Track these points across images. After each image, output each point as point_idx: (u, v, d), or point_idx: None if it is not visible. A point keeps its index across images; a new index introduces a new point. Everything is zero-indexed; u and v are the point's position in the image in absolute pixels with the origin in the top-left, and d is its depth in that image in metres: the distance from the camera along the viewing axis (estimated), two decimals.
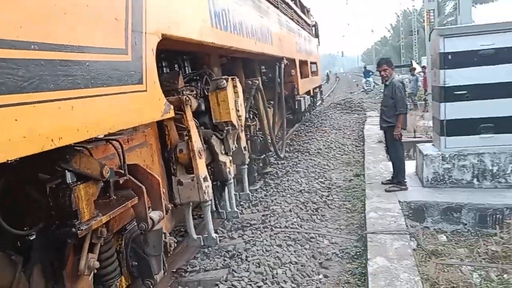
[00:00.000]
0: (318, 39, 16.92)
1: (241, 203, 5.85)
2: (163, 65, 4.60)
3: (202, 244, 4.13)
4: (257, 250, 4.22)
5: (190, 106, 3.92)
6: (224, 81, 4.33)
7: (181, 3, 3.08)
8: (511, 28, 5.27)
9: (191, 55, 5.10)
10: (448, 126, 5.59)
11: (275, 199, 5.90)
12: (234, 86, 4.63)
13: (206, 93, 4.39)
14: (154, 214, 2.93)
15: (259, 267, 3.86)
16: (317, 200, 5.85)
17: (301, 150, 9.09)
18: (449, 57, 5.43)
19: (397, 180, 5.70)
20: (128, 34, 2.17)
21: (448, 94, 5.51)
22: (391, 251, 3.89)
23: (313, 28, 15.97)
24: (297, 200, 5.75)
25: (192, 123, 3.87)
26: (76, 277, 2.46)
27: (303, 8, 13.50)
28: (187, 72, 4.95)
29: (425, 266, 4.16)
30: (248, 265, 3.92)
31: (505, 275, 4.00)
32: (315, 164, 7.78)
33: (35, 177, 2.14)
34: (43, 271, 2.35)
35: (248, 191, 5.47)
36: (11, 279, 2.17)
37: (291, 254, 4.19)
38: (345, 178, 6.97)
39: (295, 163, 7.95)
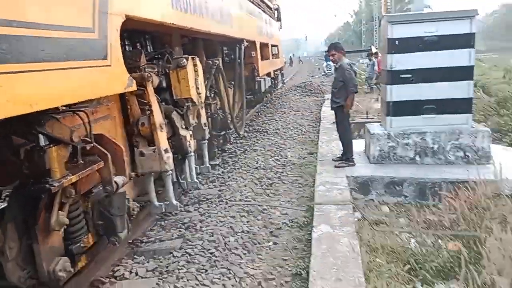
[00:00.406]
0: (280, 23, 17.13)
1: (199, 179, 6.12)
2: (126, 43, 4.71)
3: (164, 210, 4.39)
4: (211, 221, 4.53)
5: (152, 82, 4.12)
6: (185, 60, 4.54)
7: None
8: (451, 17, 5.74)
9: (153, 34, 5.24)
10: (394, 107, 6.06)
11: (232, 175, 6.21)
12: (194, 65, 4.84)
13: (167, 71, 4.60)
14: (118, 179, 3.19)
15: (212, 236, 4.16)
16: (271, 176, 6.19)
17: (260, 130, 9.42)
18: (396, 42, 5.85)
19: (346, 157, 6.14)
20: (95, 14, 2.36)
21: (395, 77, 5.95)
22: (335, 219, 4.28)
23: (276, 12, 16.16)
24: (252, 176, 6.08)
25: (153, 98, 4.08)
26: (47, 232, 2.71)
27: None
28: (149, 51, 5.10)
29: (367, 234, 4.60)
30: (202, 234, 4.21)
31: (439, 241, 4.48)
32: (272, 143, 8.13)
33: (10, 140, 2.34)
34: (16, 226, 2.58)
35: (208, 165, 5.73)
36: None
37: (244, 224, 4.51)
38: (300, 156, 7.36)
39: (253, 142, 8.28)
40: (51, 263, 2.79)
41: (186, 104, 4.67)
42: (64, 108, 2.94)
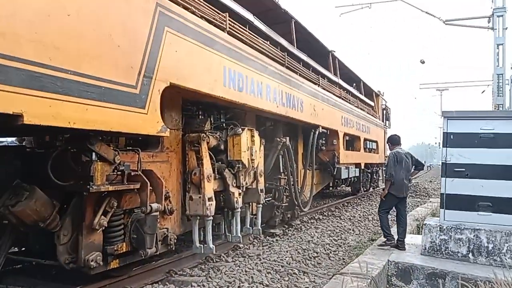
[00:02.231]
0: (389, 122, 17.62)
1: (254, 242, 6.75)
2: (200, 113, 5.86)
3: (202, 252, 5.13)
4: (238, 269, 5.09)
5: (208, 142, 5.15)
6: (240, 129, 5.56)
7: (193, 68, 4.44)
8: (510, 117, 5.78)
9: (230, 112, 6.41)
10: (447, 199, 6.02)
11: (282, 242, 6.68)
12: (252, 136, 5.80)
13: (227, 138, 5.63)
14: (154, 205, 4.16)
15: (230, 278, 4.72)
16: (319, 251, 6.47)
17: (335, 215, 9.70)
18: (451, 137, 6.02)
19: (386, 238, 6.44)
20: (139, 77, 3.53)
21: (449, 170, 6.01)
22: (345, 286, 4.47)
23: (383, 111, 16.80)
24: (299, 246, 6.46)
25: (205, 154, 5.08)
26: (90, 229, 3.74)
27: (369, 91, 14.56)
28: (220, 121, 6.23)
29: None
30: (223, 276, 4.81)
31: None
32: (338, 226, 8.37)
33: (72, 153, 3.57)
34: (72, 220, 3.77)
35: (259, 227, 6.35)
36: (49, 214, 3.52)
37: (266, 278, 4.94)
38: (359, 241, 7.46)
39: (321, 223, 8.61)
40: (88, 254, 3.78)
41: (237, 165, 5.58)
42: (129, 148, 4.16)
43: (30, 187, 3.49)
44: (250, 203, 6.26)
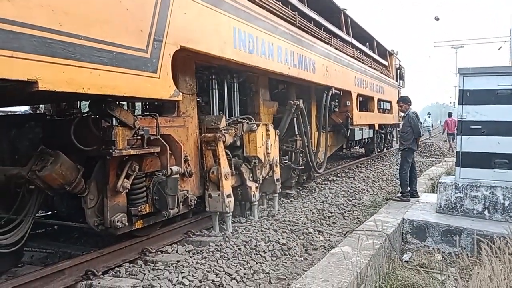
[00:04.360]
0: (403, 82, 17.30)
1: (269, 203, 6.85)
2: (213, 77, 5.82)
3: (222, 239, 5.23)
4: (254, 229, 5.19)
5: (224, 141, 5.14)
6: (256, 126, 5.57)
7: (202, 30, 4.38)
8: None
9: (241, 75, 6.35)
10: (463, 157, 5.98)
11: (297, 203, 6.77)
12: (267, 130, 5.81)
13: (242, 134, 5.63)
14: (174, 168, 4.26)
15: (247, 238, 4.82)
16: (334, 210, 6.55)
17: (349, 176, 9.74)
18: (467, 94, 5.89)
19: (401, 192, 6.67)
20: (150, 41, 3.50)
21: (465, 128, 5.93)
22: (360, 244, 4.54)
23: (397, 71, 16.47)
24: (313, 207, 6.55)
25: (222, 153, 5.08)
26: (114, 192, 3.85)
27: (383, 50, 14.22)
28: (235, 117, 6.14)
29: (401, 270, 4.69)
30: (239, 236, 4.91)
31: None
32: (352, 187, 8.41)
33: (93, 119, 3.67)
34: (97, 184, 3.89)
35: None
36: (74, 178, 3.62)
37: (282, 237, 5.04)
38: (374, 200, 7.52)
39: (335, 184, 8.67)
40: (113, 215, 3.92)
41: (254, 160, 5.65)
42: (146, 113, 4.20)
43: (55, 152, 3.59)
44: (266, 193, 6.40)
